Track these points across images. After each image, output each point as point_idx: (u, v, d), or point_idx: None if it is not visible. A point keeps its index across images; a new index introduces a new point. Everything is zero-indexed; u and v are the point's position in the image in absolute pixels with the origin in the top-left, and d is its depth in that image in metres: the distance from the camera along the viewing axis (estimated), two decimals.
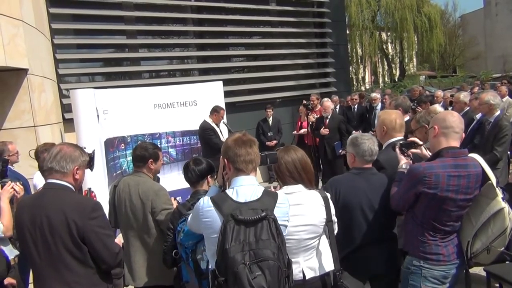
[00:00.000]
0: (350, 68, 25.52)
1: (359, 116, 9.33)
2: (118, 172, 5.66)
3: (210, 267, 2.09)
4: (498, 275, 3.51)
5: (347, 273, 2.64)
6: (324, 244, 2.52)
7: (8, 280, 3.03)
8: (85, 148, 2.88)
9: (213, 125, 6.33)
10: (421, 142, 2.91)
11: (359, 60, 31.71)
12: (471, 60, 37.93)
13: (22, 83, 4.95)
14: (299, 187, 2.42)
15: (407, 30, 29.09)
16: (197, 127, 6.36)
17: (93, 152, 2.63)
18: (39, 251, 2.29)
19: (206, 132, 6.25)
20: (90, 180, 3.68)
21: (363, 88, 29.66)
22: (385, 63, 34.48)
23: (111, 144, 5.55)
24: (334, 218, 2.46)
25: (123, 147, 5.83)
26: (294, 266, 2.23)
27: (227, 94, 7.66)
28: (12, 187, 3.06)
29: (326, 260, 2.47)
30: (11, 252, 3.05)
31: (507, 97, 8.27)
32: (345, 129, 7.52)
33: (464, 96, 5.90)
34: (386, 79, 33.96)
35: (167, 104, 6.27)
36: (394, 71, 34.54)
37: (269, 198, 2.04)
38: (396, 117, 3.22)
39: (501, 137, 4.70)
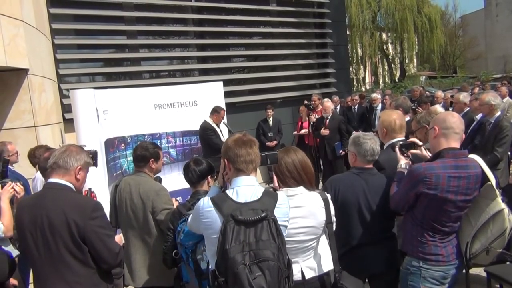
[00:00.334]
0: (351, 69, 25.52)
1: (360, 116, 9.32)
2: (118, 172, 5.66)
3: (210, 267, 2.09)
4: (498, 275, 3.50)
5: (347, 273, 2.64)
6: (324, 244, 2.52)
7: (10, 281, 3.04)
8: (85, 146, 2.89)
9: (214, 125, 6.33)
10: (421, 143, 2.91)
11: (360, 61, 31.74)
12: (471, 61, 37.95)
13: (23, 83, 4.95)
14: (300, 189, 2.41)
15: (408, 31, 29.13)
16: (197, 128, 6.37)
17: (95, 151, 2.70)
18: (40, 251, 2.29)
19: (206, 133, 6.25)
20: (90, 180, 3.68)
21: (363, 89, 29.67)
22: (386, 63, 34.51)
23: (111, 144, 5.55)
24: (334, 219, 2.46)
25: (123, 147, 5.83)
26: (293, 266, 2.24)
27: (227, 94, 7.66)
28: (12, 187, 3.06)
29: (325, 260, 2.47)
30: (12, 253, 3.04)
31: (507, 97, 8.27)
32: (345, 129, 7.52)
33: (464, 96, 5.90)
34: (386, 79, 33.99)
35: (168, 104, 6.27)
36: (394, 71, 34.56)
37: (269, 198, 2.04)
38: (396, 118, 3.22)
39: (501, 137, 4.69)
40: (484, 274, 3.76)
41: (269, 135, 8.89)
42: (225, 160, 2.14)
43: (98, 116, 5.24)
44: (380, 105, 8.85)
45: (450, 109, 6.20)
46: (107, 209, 2.95)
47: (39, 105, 5.22)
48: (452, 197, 2.48)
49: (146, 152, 3.26)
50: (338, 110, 9.20)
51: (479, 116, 5.27)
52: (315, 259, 2.46)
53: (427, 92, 11.75)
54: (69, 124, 6.34)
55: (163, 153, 4.02)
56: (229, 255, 1.84)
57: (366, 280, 2.93)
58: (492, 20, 37.77)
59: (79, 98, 5.08)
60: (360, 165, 2.88)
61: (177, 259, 2.81)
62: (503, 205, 2.50)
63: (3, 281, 2.70)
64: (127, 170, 5.80)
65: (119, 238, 2.75)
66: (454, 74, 35.27)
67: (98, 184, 4.71)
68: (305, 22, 10.98)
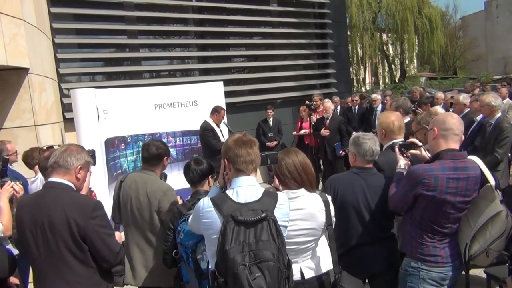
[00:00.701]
0: (351, 69, 25.51)
1: (360, 117, 9.32)
2: (118, 172, 5.67)
3: (210, 267, 2.09)
4: (498, 277, 3.50)
5: (346, 273, 2.64)
6: (323, 244, 2.53)
7: (12, 280, 3.04)
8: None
9: (213, 125, 6.34)
10: (420, 143, 2.91)
11: (360, 61, 31.73)
12: (471, 62, 37.96)
13: (23, 83, 4.95)
14: (301, 191, 2.41)
15: (408, 32, 29.13)
16: (197, 127, 6.37)
17: (93, 150, 2.71)
18: (40, 250, 2.29)
19: (205, 133, 6.25)
20: (90, 180, 3.68)
21: (363, 89, 29.67)
22: (386, 64, 34.51)
23: (111, 144, 5.56)
24: (334, 219, 2.46)
25: (123, 147, 5.83)
26: (293, 266, 2.24)
27: (227, 94, 7.67)
28: (12, 187, 3.05)
29: (325, 260, 2.48)
30: (12, 251, 3.04)
31: (507, 99, 8.28)
32: (346, 130, 7.52)
33: (464, 97, 5.90)
34: (386, 80, 33.99)
35: (168, 104, 6.27)
36: (394, 72, 34.57)
37: (269, 198, 2.04)
38: (394, 120, 3.22)
39: (502, 139, 4.70)
40: (484, 275, 3.77)
41: (269, 135, 8.89)
42: (225, 161, 2.14)
43: (98, 115, 5.24)
44: (380, 105, 8.85)
45: (451, 110, 6.20)
46: (107, 208, 2.94)
47: (39, 104, 5.22)
48: (451, 198, 2.48)
49: (161, 150, 3.23)
50: (338, 110, 9.20)
51: (479, 117, 5.27)
52: (315, 259, 2.47)
53: (427, 93, 11.75)
54: (69, 123, 6.34)
55: None
56: (229, 256, 1.83)
57: (366, 281, 2.93)
58: (493, 22, 37.78)
59: (80, 97, 5.09)
60: (359, 165, 2.89)
61: (177, 259, 2.81)
62: (502, 207, 2.50)
63: (4, 278, 2.69)
64: (127, 169, 5.81)
65: (119, 236, 2.74)
66: (454, 75, 35.26)
67: (98, 184, 4.72)
68: (306, 22, 10.98)
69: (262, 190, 2.07)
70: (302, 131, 8.90)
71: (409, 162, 2.82)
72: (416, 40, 30.89)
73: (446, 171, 2.48)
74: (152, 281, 3.24)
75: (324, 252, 2.51)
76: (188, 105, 6.50)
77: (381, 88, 26.37)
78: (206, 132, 6.25)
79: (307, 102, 8.07)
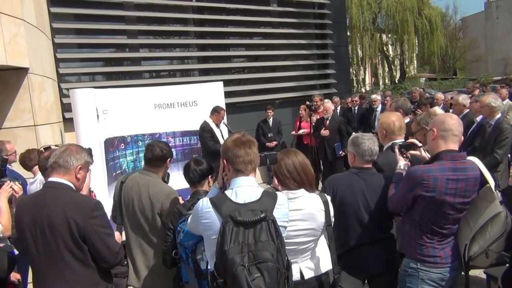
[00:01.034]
0: (351, 70, 25.53)
1: (359, 117, 9.33)
2: (117, 172, 5.66)
3: (209, 268, 2.08)
4: (498, 277, 3.49)
5: (346, 273, 2.64)
6: (323, 245, 2.53)
7: (14, 276, 3.04)
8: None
9: (213, 125, 6.33)
10: (420, 144, 2.91)
11: (360, 62, 31.74)
12: (471, 63, 37.99)
13: (23, 82, 4.96)
14: (301, 191, 2.41)
15: (408, 32, 29.16)
16: (197, 128, 6.37)
17: (90, 148, 2.71)
18: (39, 250, 2.29)
19: (203, 134, 6.26)
20: (90, 180, 3.68)
21: (363, 90, 29.68)
22: (386, 65, 34.53)
23: (111, 144, 5.55)
24: (333, 220, 2.46)
25: (123, 147, 5.83)
26: (292, 267, 2.23)
27: (227, 94, 7.66)
28: (11, 187, 3.05)
29: (324, 260, 2.48)
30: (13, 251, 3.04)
31: (507, 99, 8.28)
32: (346, 130, 7.51)
33: (463, 98, 5.91)
34: (386, 81, 34.00)
35: (167, 104, 6.27)
36: (394, 73, 34.59)
37: (269, 199, 2.03)
38: (395, 120, 3.22)
39: (501, 139, 4.70)
40: (484, 276, 3.76)
41: (269, 135, 8.89)
42: (224, 161, 2.14)
43: (98, 115, 5.24)
44: (380, 106, 8.86)
45: (450, 111, 6.20)
46: (107, 208, 2.94)
47: (39, 104, 5.22)
48: (450, 199, 2.48)
49: (165, 152, 3.21)
50: (338, 111, 9.20)
51: (479, 118, 5.27)
52: (314, 259, 2.47)
53: (427, 94, 11.74)
54: (69, 123, 6.34)
55: None
56: (228, 256, 1.83)
57: (366, 281, 2.93)
58: (493, 23, 37.81)
59: (79, 97, 5.08)
60: (358, 165, 2.89)
61: (176, 259, 2.80)
62: (501, 208, 2.49)
63: (3, 278, 2.69)
64: (127, 169, 5.80)
65: (118, 236, 2.74)
66: (454, 76, 35.27)
67: (98, 184, 4.71)
68: (306, 23, 10.98)
69: (261, 190, 2.07)
70: (301, 131, 8.91)
71: (409, 163, 2.81)
72: (416, 41, 30.92)
73: (446, 172, 2.47)
74: (154, 283, 3.22)
75: (323, 252, 2.51)
76: (188, 105, 6.49)
77: (381, 89, 26.36)
78: (204, 133, 6.25)
79: (307, 102, 8.07)
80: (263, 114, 9.10)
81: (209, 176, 3.01)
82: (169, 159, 3.27)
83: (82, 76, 8.06)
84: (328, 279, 2.48)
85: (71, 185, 2.39)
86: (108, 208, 3.26)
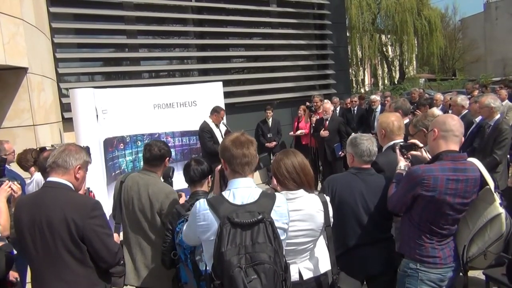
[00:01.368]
0: (350, 70, 25.54)
1: (359, 118, 9.33)
2: (117, 172, 5.65)
3: (208, 270, 2.08)
4: (497, 278, 3.50)
5: (344, 274, 2.64)
6: (321, 245, 2.53)
7: (12, 275, 3.04)
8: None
9: (213, 125, 6.33)
10: (421, 145, 2.90)
11: (359, 62, 31.77)
12: (470, 64, 38.03)
13: (22, 82, 4.96)
14: (300, 192, 2.41)
15: (407, 33, 29.19)
16: (196, 128, 6.36)
17: (88, 147, 2.73)
18: (38, 250, 2.28)
19: (202, 134, 6.26)
20: (88, 180, 3.68)
21: (362, 90, 29.69)
22: (385, 65, 34.55)
23: (110, 144, 5.54)
24: (332, 220, 2.46)
25: (122, 147, 5.82)
26: (291, 267, 2.23)
27: (226, 95, 7.66)
28: (10, 187, 3.04)
29: (323, 261, 2.47)
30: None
31: (506, 100, 8.29)
32: (345, 131, 7.51)
33: (462, 99, 5.91)
34: (385, 81, 34.02)
35: (167, 104, 6.26)
36: (393, 73, 34.62)
37: (267, 200, 2.02)
38: (394, 120, 3.22)
39: (501, 140, 4.70)
40: (483, 277, 3.77)
41: (268, 136, 8.89)
42: (222, 160, 2.13)
43: (97, 115, 5.23)
44: (379, 107, 8.86)
45: (450, 111, 6.21)
46: (106, 208, 2.93)
47: (38, 104, 5.22)
48: (450, 199, 2.48)
49: (164, 151, 3.21)
50: (338, 111, 9.20)
51: (478, 119, 5.27)
52: (313, 260, 2.47)
53: (426, 95, 11.75)
54: (68, 123, 6.34)
55: None
56: (225, 258, 1.82)
57: (364, 282, 2.93)
58: (492, 23, 37.86)
59: (79, 97, 5.07)
60: (357, 165, 2.89)
61: (175, 260, 2.80)
62: (501, 209, 2.49)
63: (2, 277, 2.69)
64: (126, 169, 5.79)
65: (116, 237, 2.73)
66: (453, 77, 35.33)
67: (97, 184, 4.70)
68: (305, 23, 10.99)
69: (260, 191, 2.05)
70: (298, 132, 8.91)
71: (409, 164, 2.81)
72: (416, 42, 30.95)
73: (446, 172, 2.47)
74: (152, 282, 3.22)
75: (322, 253, 2.51)
76: (187, 106, 6.49)
77: (380, 89, 26.38)
78: (203, 133, 6.25)
79: (307, 103, 8.06)
80: (263, 115, 9.10)
81: (209, 177, 3.01)
82: (167, 158, 3.27)
83: (82, 76, 8.05)
84: (327, 279, 2.48)
85: (70, 185, 2.39)
86: (107, 208, 3.26)
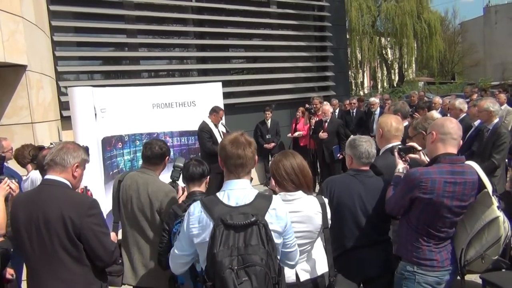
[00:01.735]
0: (349, 73, 25.58)
1: (358, 120, 9.34)
2: (115, 171, 5.64)
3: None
4: (494, 282, 3.50)
5: (341, 276, 2.63)
6: (319, 247, 2.52)
7: (8, 271, 3.03)
8: None
9: (212, 126, 6.33)
10: (420, 148, 2.91)
11: (358, 65, 31.80)
12: (470, 67, 38.14)
13: (21, 80, 4.95)
14: (299, 193, 2.41)
15: (407, 36, 29.23)
16: (195, 128, 6.36)
17: (87, 146, 2.70)
18: (34, 247, 2.28)
19: (201, 135, 6.26)
20: (86, 178, 3.67)
21: (361, 93, 29.74)
22: (384, 68, 34.62)
23: (108, 143, 5.53)
24: (330, 222, 2.46)
25: (120, 146, 5.81)
26: (288, 269, 2.23)
27: (226, 95, 7.66)
28: (8, 185, 3.03)
29: (320, 263, 2.47)
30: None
31: (505, 104, 8.30)
32: (344, 133, 7.51)
33: (460, 103, 5.92)
34: (385, 84, 34.07)
35: (166, 104, 6.25)
36: (393, 76, 34.68)
37: (262, 202, 1.99)
38: (393, 121, 3.23)
39: (499, 144, 4.71)
40: (480, 281, 3.76)
41: (267, 137, 8.90)
42: (219, 158, 2.12)
43: (95, 114, 5.22)
44: (378, 109, 8.86)
45: (448, 115, 6.21)
46: (103, 207, 2.92)
47: (36, 102, 5.21)
48: (448, 202, 2.48)
49: (164, 150, 3.21)
50: (337, 113, 9.21)
51: (477, 123, 5.28)
52: (310, 261, 2.46)
53: (425, 98, 11.76)
54: (66, 121, 6.32)
55: None
56: (217, 259, 1.81)
57: (361, 285, 2.93)
58: (491, 27, 37.98)
59: (77, 95, 5.06)
60: (356, 167, 2.88)
61: None
62: (498, 213, 2.49)
63: None
64: (124, 168, 5.78)
65: (114, 236, 2.73)
66: (452, 81, 35.41)
67: (94, 182, 4.69)
68: (305, 25, 10.99)
69: (255, 193, 2.03)
70: (296, 133, 8.92)
71: (408, 166, 2.81)
72: (415, 45, 30.99)
73: (444, 174, 2.47)
74: (150, 281, 3.21)
75: (319, 255, 2.51)
76: (186, 106, 6.48)
77: (379, 92, 26.41)
78: (202, 133, 6.25)
79: (307, 105, 8.06)
80: (262, 116, 9.10)
81: (207, 177, 3.00)
82: (167, 157, 3.27)
83: (81, 74, 8.04)
84: (323, 281, 2.48)
85: (68, 183, 2.38)
86: (104, 207, 3.25)
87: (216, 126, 6.38)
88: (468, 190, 2.52)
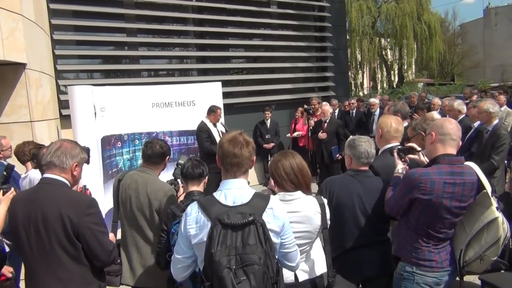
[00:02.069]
0: (349, 73, 25.57)
1: (357, 121, 9.33)
2: (114, 170, 5.64)
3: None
4: (493, 283, 3.50)
5: (340, 276, 2.63)
6: (318, 248, 2.52)
7: (6, 269, 3.02)
8: None
9: (210, 125, 6.33)
10: (419, 148, 2.90)
11: (358, 66, 31.85)
12: (469, 69, 38.18)
13: (20, 78, 4.94)
14: (298, 193, 2.40)
15: (407, 37, 29.26)
16: (194, 128, 6.36)
17: (88, 148, 2.66)
18: (32, 246, 2.27)
19: (200, 134, 6.25)
20: (85, 178, 3.66)
21: (361, 94, 29.77)
22: (384, 69, 34.64)
23: (107, 142, 5.53)
24: (329, 223, 2.45)
25: (120, 145, 5.81)
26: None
27: (225, 95, 7.65)
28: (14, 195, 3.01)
29: (319, 263, 2.47)
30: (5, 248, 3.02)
31: (505, 106, 8.30)
32: (343, 133, 7.51)
33: (458, 104, 5.92)
34: (384, 85, 34.10)
35: (165, 103, 6.25)
36: (392, 77, 34.71)
37: (259, 201, 1.99)
38: (393, 121, 3.22)
39: (498, 145, 4.71)
40: (479, 282, 3.76)
41: (267, 137, 8.90)
42: (217, 157, 2.11)
43: (95, 113, 5.21)
44: (378, 110, 8.86)
45: (447, 116, 6.21)
46: (102, 206, 2.91)
47: (35, 100, 5.20)
48: (447, 203, 2.48)
49: (165, 149, 3.20)
50: (337, 114, 9.20)
51: (476, 124, 5.28)
52: (309, 262, 2.46)
53: (425, 99, 11.75)
54: (65, 120, 6.32)
55: None
56: (215, 259, 1.80)
57: (360, 285, 2.92)
58: (491, 29, 38.03)
59: (77, 94, 5.06)
60: (355, 167, 2.88)
61: (170, 261, 2.77)
62: (497, 214, 2.49)
63: None
64: (123, 168, 5.78)
65: (112, 236, 2.72)
66: (452, 82, 35.44)
67: (93, 181, 4.68)
68: (305, 25, 10.99)
69: (253, 192, 2.02)
70: (295, 134, 8.91)
71: (407, 167, 2.81)
72: (415, 46, 31.02)
73: (443, 175, 2.47)
74: (148, 281, 3.20)
75: (318, 255, 2.51)
76: (186, 105, 6.48)
77: (379, 93, 26.43)
78: (201, 133, 6.25)
79: (305, 106, 8.06)
80: (261, 116, 9.10)
81: (206, 177, 2.99)
82: (168, 156, 3.26)
83: (80, 73, 8.02)
84: (322, 282, 2.47)
85: (66, 181, 2.37)
86: (103, 206, 3.24)
87: (215, 125, 6.37)
88: (468, 191, 2.52)
